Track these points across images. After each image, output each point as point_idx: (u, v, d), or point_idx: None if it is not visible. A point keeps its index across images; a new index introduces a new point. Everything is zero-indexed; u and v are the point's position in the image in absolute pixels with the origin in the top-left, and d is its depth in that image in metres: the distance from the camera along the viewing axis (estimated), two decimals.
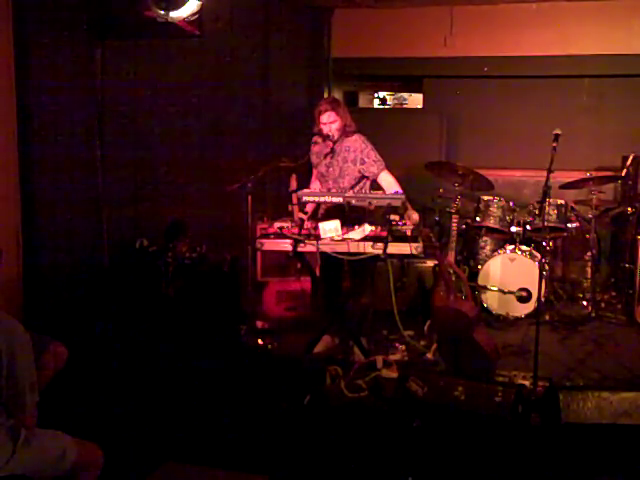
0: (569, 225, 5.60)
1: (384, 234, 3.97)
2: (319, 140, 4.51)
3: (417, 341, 4.75)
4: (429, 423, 3.42)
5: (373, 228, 4.03)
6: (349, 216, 4.07)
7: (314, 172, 4.72)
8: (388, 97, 9.46)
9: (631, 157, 5.89)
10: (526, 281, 5.29)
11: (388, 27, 6.86)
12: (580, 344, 4.90)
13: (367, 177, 4.48)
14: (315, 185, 4.66)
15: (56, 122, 4.66)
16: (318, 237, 4.00)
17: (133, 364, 4.10)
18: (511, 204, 5.69)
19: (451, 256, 5.13)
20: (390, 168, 4.48)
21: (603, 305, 5.65)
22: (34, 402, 2.39)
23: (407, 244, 3.92)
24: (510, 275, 5.36)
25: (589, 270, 5.65)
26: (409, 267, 5.44)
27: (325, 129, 4.40)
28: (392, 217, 4.00)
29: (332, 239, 3.98)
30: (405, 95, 9.34)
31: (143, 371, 4.01)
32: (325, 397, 3.90)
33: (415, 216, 4.12)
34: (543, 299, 4.89)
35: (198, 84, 5.79)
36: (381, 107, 9.40)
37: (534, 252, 5.41)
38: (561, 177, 5.11)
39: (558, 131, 3.90)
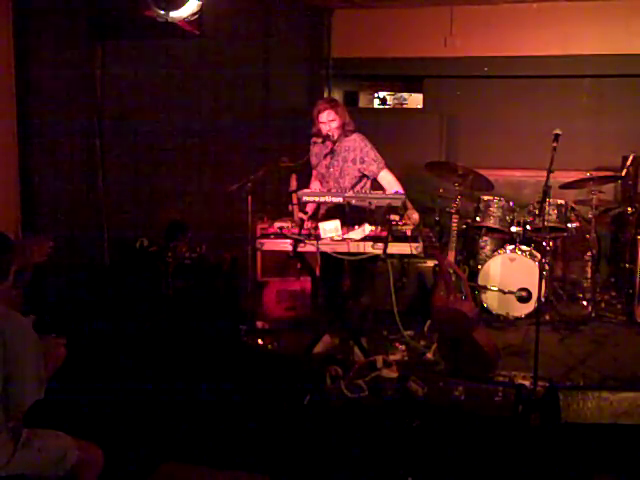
0: (569, 225, 5.59)
1: (384, 234, 3.97)
2: (318, 140, 4.50)
3: (417, 341, 4.75)
4: (429, 423, 3.42)
5: (373, 228, 4.03)
6: (349, 216, 4.07)
7: (314, 172, 4.72)
8: (388, 97, 9.45)
9: (631, 157, 5.89)
10: (526, 281, 5.29)
11: (388, 27, 6.87)
12: (580, 344, 4.90)
13: (367, 176, 4.48)
14: (315, 185, 4.66)
15: (56, 122, 4.66)
16: (318, 237, 4.00)
17: (133, 364, 4.10)
18: (511, 204, 5.68)
19: (451, 256, 5.13)
20: (390, 168, 4.48)
21: (603, 305, 5.65)
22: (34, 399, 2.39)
23: (407, 244, 3.92)
24: (510, 275, 5.36)
25: (589, 270, 5.65)
26: (409, 267, 5.44)
27: (324, 128, 4.40)
28: (392, 217, 4.00)
29: (332, 239, 3.98)
30: (405, 95, 9.34)
31: (143, 371, 4.01)
32: (325, 397, 3.89)
33: (415, 216, 4.12)
34: (543, 299, 4.89)
35: (198, 84, 5.79)
36: (381, 107, 9.39)
37: (534, 252, 5.41)
38: (561, 177, 5.11)
39: (558, 131, 3.90)
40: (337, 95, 7.42)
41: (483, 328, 4.31)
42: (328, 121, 4.38)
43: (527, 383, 3.83)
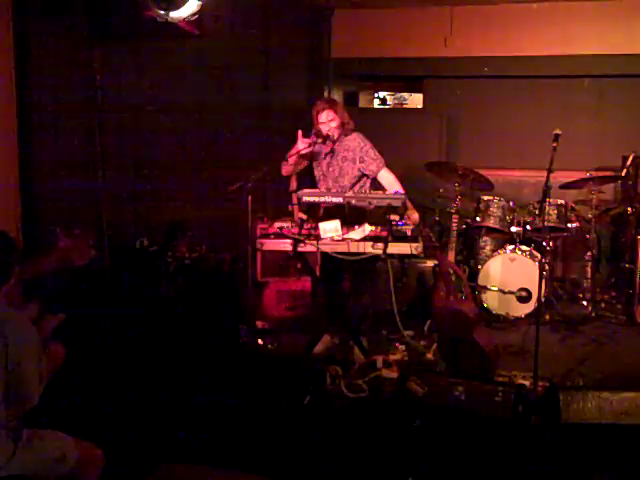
0: (569, 225, 5.59)
1: (384, 234, 3.97)
2: (318, 140, 4.49)
3: (417, 341, 4.75)
4: (429, 423, 3.42)
5: (373, 228, 4.03)
6: (349, 216, 4.07)
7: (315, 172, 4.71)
8: (388, 97, 9.45)
9: (631, 157, 5.88)
10: (526, 281, 5.29)
11: (388, 27, 6.87)
12: (580, 344, 4.90)
13: (367, 176, 4.48)
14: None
15: (56, 122, 4.67)
16: (318, 237, 4.00)
17: (133, 364, 4.10)
18: (511, 204, 5.68)
19: (451, 256, 5.13)
20: (390, 168, 4.48)
21: (603, 305, 5.65)
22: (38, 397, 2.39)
23: (407, 244, 3.92)
24: (510, 275, 5.36)
25: (589, 270, 5.65)
26: (409, 267, 5.44)
27: (324, 129, 4.39)
28: (392, 217, 4.00)
29: (332, 239, 3.98)
30: (405, 95, 9.34)
31: (143, 371, 4.01)
32: (325, 397, 3.89)
33: (415, 216, 4.12)
34: (543, 299, 4.89)
35: (198, 84, 5.79)
36: (381, 107, 9.39)
37: (534, 252, 5.41)
38: (561, 177, 5.11)
39: (558, 131, 3.90)
40: (337, 95, 7.41)
41: (483, 328, 4.32)
42: (327, 121, 4.38)
43: (527, 383, 3.83)
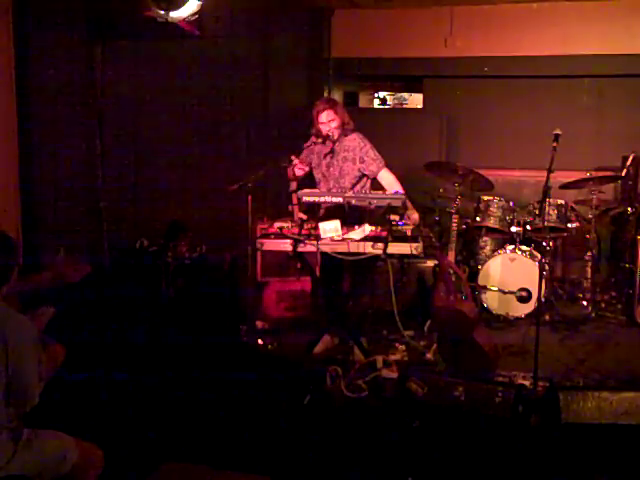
0: (569, 225, 5.59)
1: (384, 234, 3.97)
2: (318, 140, 4.50)
3: (417, 341, 4.75)
4: (429, 423, 3.42)
5: (373, 228, 4.03)
6: (349, 216, 4.07)
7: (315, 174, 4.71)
8: (388, 97, 9.46)
9: (631, 157, 5.88)
10: (526, 281, 5.29)
11: (388, 27, 6.87)
12: (580, 344, 4.90)
13: (367, 176, 4.48)
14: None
15: (56, 122, 4.67)
16: (318, 237, 4.00)
17: (133, 364, 4.10)
18: (511, 204, 5.68)
19: (451, 256, 5.13)
20: (390, 168, 4.48)
21: (603, 305, 5.65)
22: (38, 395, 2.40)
23: (407, 244, 3.92)
24: (510, 275, 5.36)
25: (589, 270, 5.64)
26: (409, 267, 5.44)
27: (324, 129, 4.39)
28: (392, 217, 4.00)
29: (332, 239, 3.98)
30: (405, 95, 9.34)
31: (143, 371, 4.01)
32: (325, 397, 3.89)
33: (415, 216, 4.12)
34: (543, 299, 4.89)
35: (198, 84, 5.80)
36: (381, 107, 9.39)
37: (534, 252, 5.41)
38: (561, 177, 5.10)
39: (558, 131, 3.91)
40: (337, 95, 7.41)
41: (483, 328, 4.31)
42: (328, 121, 4.38)
43: (527, 383, 3.83)
